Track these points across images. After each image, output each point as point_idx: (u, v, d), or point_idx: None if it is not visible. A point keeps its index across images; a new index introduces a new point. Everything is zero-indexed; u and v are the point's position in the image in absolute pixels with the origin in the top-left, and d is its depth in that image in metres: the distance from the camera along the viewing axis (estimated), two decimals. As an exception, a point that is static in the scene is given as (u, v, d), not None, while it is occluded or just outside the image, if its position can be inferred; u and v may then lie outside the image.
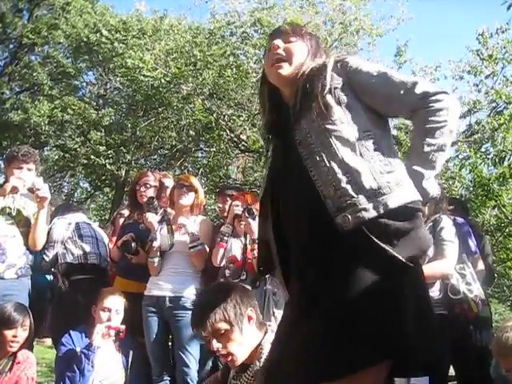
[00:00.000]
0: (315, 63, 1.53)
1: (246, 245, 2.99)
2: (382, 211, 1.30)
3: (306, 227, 1.41)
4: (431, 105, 1.41)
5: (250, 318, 1.93)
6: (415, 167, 1.40)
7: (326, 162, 1.36)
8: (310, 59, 1.55)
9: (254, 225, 2.90)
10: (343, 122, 1.40)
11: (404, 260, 1.27)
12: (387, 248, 1.27)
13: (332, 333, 1.26)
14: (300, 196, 1.42)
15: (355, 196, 1.32)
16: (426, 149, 1.40)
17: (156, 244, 3.10)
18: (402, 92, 1.43)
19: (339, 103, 1.43)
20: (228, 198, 3.45)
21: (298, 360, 1.31)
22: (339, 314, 1.27)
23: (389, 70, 1.52)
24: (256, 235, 2.90)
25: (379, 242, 1.27)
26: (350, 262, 1.29)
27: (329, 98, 1.43)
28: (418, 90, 1.43)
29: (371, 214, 1.30)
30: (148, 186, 3.52)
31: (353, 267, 1.29)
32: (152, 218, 3.20)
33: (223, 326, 1.86)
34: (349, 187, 1.32)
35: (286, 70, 1.54)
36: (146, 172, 3.84)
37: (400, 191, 1.34)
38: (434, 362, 1.32)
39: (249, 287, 2.39)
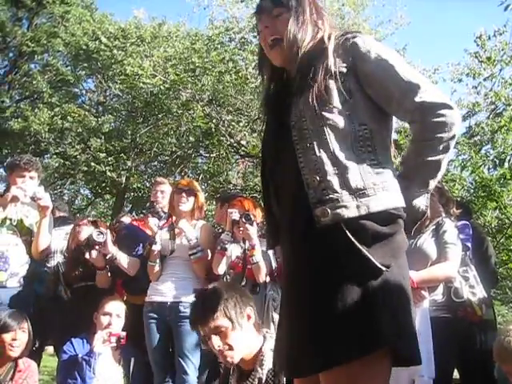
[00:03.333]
0: (317, 39, 1.42)
1: (245, 250, 2.99)
2: (363, 212, 1.26)
3: (289, 212, 1.39)
4: (428, 119, 1.31)
5: (248, 317, 1.95)
6: (406, 182, 1.35)
7: (316, 150, 1.30)
8: (302, 29, 1.42)
9: (252, 230, 2.89)
10: (340, 112, 1.32)
11: (377, 263, 1.23)
12: (362, 249, 1.24)
13: (305, 327, 1.27)
14: (287, 179, 1.38)
15: (339, 191, 1.27)
16: (419, 166, 1.35)
17: (156, 248, 3.09)
18: (401, 94, 1.32)
19: (340, 89, 1.33)
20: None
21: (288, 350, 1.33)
22: (313, 308, 1.27)
23: (400, 62, 1.36)
24: (255, 241, 2.91)
25: (356, 242, 1.24)
26: (325, 256, 1.27)
27: (330, 82, 1.34)
28: (417, 98, 1.31)
29: (351, 212, 1.26)
30: None
31: (327, 262, 1.26)
32: (152, 222, 3.20)
33: (224, 323, 1.87)
34: (334, 181, 1.28)
35: (281, 51, 1.44)
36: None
37: (384, 196, 1.29)
38: (408, 358, 1.28)
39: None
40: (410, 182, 1.36)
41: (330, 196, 1.27)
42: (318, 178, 1.29)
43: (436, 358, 2.36)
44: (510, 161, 5.48)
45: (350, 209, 1.26)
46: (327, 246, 1.28)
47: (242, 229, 2.93)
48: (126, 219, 4.01)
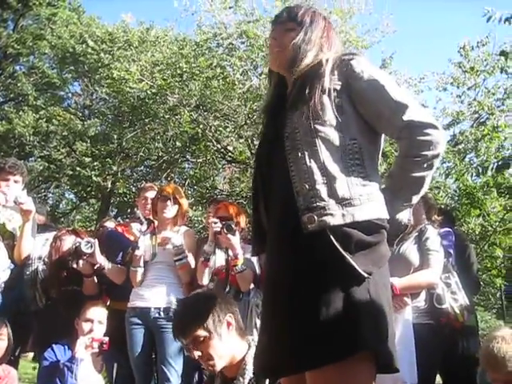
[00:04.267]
0: (318, 59, 1.50)
1: (228, 257, 2.98)
2: (347, 221, 1.32)
3: (278, 218, 1.45)
4: (414, 137, 1.38)
5: (228, 324, 1.94)
6: (390, 196, 1.41)
7: (307, 160, 1.37)
8: (306, 46, 1.51)
9: (234, 240, 2.89)
10: (332, 126, 1.40)
11: (360, 270, 1.28)
12: (346, 255, 1.29)
13: (289, 328, 1.31)
14: (278, 186, 1.45)
15: (326, 200, 1.34)
16: (403, 182, 1.42)
17: (138, 253, 3.07)
18: (391, 113, 1.41)
19: (333, 105, 1.42)
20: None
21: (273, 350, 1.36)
22: (297, 311, 1.31)
23: (390, 83, 1.46)
24: (237, 250, 2.91)
25: (340, 249, 1.29)
26: (310, 261, 1.32)
27: (325, 98, 1.42)
28: (406, 117, 1.39)
29: (337, 220, 1.32)
30: None
31: (312, 267, 1.32)
32: (135, 227, 3.18)
33: (202, 333, 1.87)
34: (323, 190, 1.34)
35: (278, 56, 1.54)
36: None
37: (369, 206, 1.35)
38: (387, 365, 1.33)
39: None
40: (394, 196, 1.42)
41: (318, 204, 1.34)
42: (307, 187, 1.35)
43: (418, 364, 2.37)
44: (492, 169, 5.55)
45: (336, 217, 1.33)
46: (313, 251, 1.33)
47: (224, 239, 2.92)
48: (110, 224, 3.98)
